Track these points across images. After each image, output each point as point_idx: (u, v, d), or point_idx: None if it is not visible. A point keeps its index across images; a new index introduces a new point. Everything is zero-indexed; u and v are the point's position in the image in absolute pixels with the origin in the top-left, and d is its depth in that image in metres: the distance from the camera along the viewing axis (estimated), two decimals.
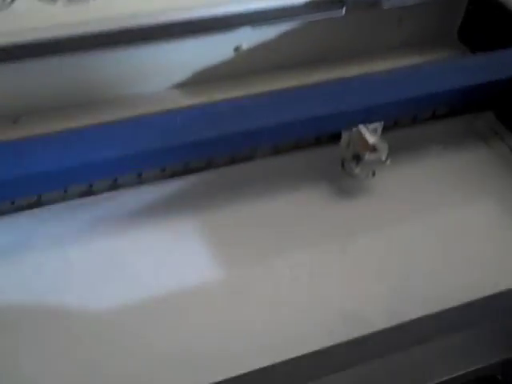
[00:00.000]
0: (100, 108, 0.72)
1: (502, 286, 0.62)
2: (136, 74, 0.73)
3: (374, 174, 0.69)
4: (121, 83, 0.73)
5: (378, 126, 0.67)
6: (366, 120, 0.67)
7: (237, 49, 0.75)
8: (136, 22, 0.67)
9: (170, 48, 0.71)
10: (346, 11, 0.73)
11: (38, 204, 0.61)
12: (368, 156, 0.67)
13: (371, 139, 0.66)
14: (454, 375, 0.50)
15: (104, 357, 0.57)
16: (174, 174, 0.65)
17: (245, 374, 0.50)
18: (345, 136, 0.68)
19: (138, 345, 0.58)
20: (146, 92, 0.74)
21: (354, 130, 0.67)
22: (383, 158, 0.67)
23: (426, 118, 0.74)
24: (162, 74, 0.74)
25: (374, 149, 0.66)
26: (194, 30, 0.70)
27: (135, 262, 0.63)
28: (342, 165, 0.70)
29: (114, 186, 0.63)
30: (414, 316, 0.57)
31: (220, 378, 0.54)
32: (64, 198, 0.62)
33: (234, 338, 0.59)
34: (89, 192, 0.63)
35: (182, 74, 0.75)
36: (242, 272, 0.63)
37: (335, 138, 0.69)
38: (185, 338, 0.58)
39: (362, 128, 0.67)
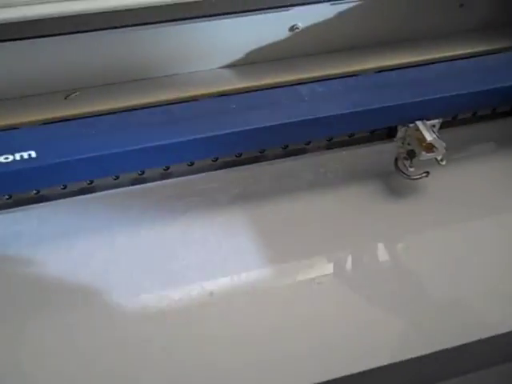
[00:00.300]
0: (151, 86, 0.71)
1: None
2: (189, 52, 0.71)
3: (427, 174, 0.67)
4: (173, 61, 0.72)
5: (437, 123, 0.66)
6: (424, 115, 0.65)
7: (292, 28, 0.73)
8: None
9: (223, 26, 0.69)
10: None
11: (89, 190, 0.61)
12: (424, 155, 0.65)
13: (429, 137, 0.64)
14: None
15: (148, 347, 0.57)
16: (226, 165, 0.64)
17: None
18: (401, 132, 0.66)
19: (183, 338, 0.57)
20: (199, 71, 0.73)
21: (411, 125, 0.66)
22: (439, 158, 0.65)
23: (485, 115, 0.71)
24: (214, 52, 0.73)
25: (430, 147, 0.64)
26: (249, 8, 0.68)
27: (183, 254, 0.63)
28: (396, 162, 0.68)
29: (166, 175, 0.63)
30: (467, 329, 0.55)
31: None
32: (115, 185, 0.62)
33: (280, 334, 0.58)
34: (140, 180, 0.62)
35: (235, 53, 0.74)
36: (287, 268, 0.63)
37: (391, 133, 0.67)
38: (230, 333, 0.58)
39: (420, 124, 0.65)
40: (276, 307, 0.60)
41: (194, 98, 0.70)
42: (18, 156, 0.56)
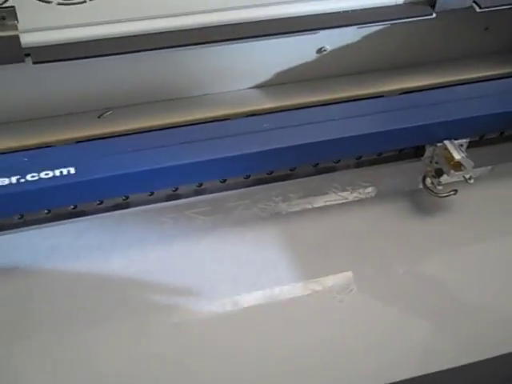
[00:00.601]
0: (182, 106, 0.73)
1: None
2: (219, 73, 0.73)
3: (455, 192, 0.68)
4: (204, 82, 0.74)
5: (464, 142, 0.67)
6: (452, 134, 0.67)
7: (320, 50, 0.75)
8: (218, 20, 0.67)
9: (253, 48, 0.71)
10: (436, 14, 0.71)
11: (125, 205, 0.63)
12: (452, 173, 0.66)
13: (457, 156, 0.65)
14: None
15: (175, 362, 0.58)
16: (258, 182, 0.66)
17: None
18: (429, 151, 0.68)
19: (214, 354, 0.58)
20: (229, 91, 0.75)
21: (439, 145, 0.67)
22: (467, 177, 0.66)
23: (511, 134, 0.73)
24: (243, 73, 0.74)
25: (458, 166, 0.65)
26: (279, 31, 0.69)
27: (214, 270, 0.64)
28: (424, 180, 0.69)
29: (199, 191, 0.64)
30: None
31: None
32: (150, 201, 0.63)
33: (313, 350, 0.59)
34: (174, 196, 0.64)
35: (264, 74, 0.75)
36: (314, 283, 0.64)
37: (419, 152, 0.68)
38: (262, 349, 0.59)
39: (448, 144, 0.66)
40: (302, 321, 0.61)
41: (224, 118, 0.71)
42: (57, 172, 0.58)
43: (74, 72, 0.67)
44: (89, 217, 0.62)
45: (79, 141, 0.68)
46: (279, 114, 0.68)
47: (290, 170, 0.66)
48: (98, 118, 0.71)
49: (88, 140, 0.67)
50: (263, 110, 0.73)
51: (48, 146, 0.67)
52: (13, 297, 0.61)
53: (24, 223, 0.61)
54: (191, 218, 0.67)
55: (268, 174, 0.66)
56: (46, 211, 0.61)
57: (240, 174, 0.64)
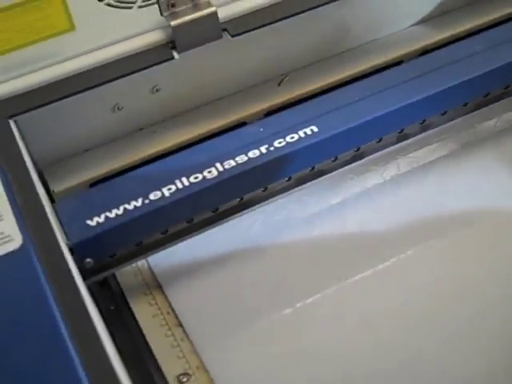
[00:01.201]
0: (356, 55, 0.71)
1: None
2: (382, 16, 0.71)
3: None
4: (374, 26, 0.71)
5: None
6: None
7: None
8: None
9: None
10: None
11: (359, 157, 0.62)
12: None
13: None
14: None
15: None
16: (476, 108, 0.65)
17: None
18: None
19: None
20: (391, 34, 0.73)
21: None
22: None
23: None
24: (404, 12, 0.72)
25: None
26: None
27: (445, 203, 0.64)
28: None
29: (423, 128, 0.63)
30: None
31: None
32: (379, 148, 0.62)
33: None
34: (401, 137, 0.63)
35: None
36: None
37: None
38: None
39: None
40: None
41: (401, 59, 0.70)
42: (301, 133, 0.57)
43: (253, 42, 0.64)
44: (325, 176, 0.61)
45: (269, 112, 0.66)
46: (486, 33, 0.67)
47: (504, 88, 0.65)
48: (279, 85, 0.70)
49: (276, 110, 0.66)
50: (436, 43, 0.72)
51: (242, 121, 0.65)
52: (259, 273, 0.61)
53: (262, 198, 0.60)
54: (417, 156, 0.67)
55: (484, 96, 0.65)
56: (286, 179, 0.59)
57: (459, 102, 0.64)
